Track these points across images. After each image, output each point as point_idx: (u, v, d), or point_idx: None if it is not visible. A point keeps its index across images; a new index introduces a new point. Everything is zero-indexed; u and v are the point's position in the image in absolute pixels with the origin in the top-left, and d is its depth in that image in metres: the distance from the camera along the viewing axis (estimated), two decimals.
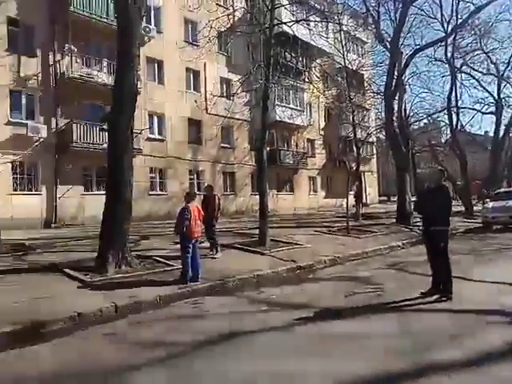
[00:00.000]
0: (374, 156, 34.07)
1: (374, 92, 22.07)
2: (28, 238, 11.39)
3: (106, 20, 16.73)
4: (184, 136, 20.73)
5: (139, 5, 7.69)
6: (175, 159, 20.15)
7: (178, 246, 7.41)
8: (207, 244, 9.14)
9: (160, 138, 19.88)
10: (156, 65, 19.64)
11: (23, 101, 15.79)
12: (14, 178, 15.36)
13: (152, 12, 18.95)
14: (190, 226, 6.84)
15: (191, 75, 21.26)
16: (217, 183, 20.49)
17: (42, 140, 15.84)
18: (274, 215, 16.42)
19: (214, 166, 22.13)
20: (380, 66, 20.63)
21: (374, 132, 27.47)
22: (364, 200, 23.50)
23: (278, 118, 23.43)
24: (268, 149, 11.57)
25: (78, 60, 16.66)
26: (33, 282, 6.77)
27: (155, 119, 19.78)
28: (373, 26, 18.96)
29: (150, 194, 19.14)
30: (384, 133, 23.48)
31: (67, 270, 7.28)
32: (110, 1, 16.25)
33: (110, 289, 6.35)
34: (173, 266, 7.80)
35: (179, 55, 19.75)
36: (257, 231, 10.98)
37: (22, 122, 15.44)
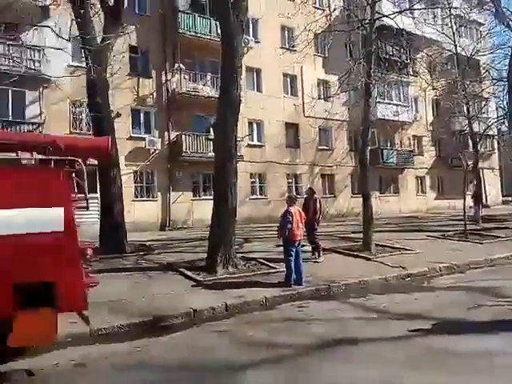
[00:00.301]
0: (496, 151, 29.94)
1: (493, 79, 19.40)
2: (148, 240, 12.74)
3: (209, 37, 17.98)
4: (282, 140, 21.06)
5: (241, 19, 8.05)
6: (274, 164, 20.58)
7: (281, 248, 7.49)
8: (309, 247, 9.07)
9: (259, 143, 20.53)
10: (254, 73, 20.38)
11: (141, 118, 17.86)
12: (135, 186, 17.42)
13: (250, 23, 19.77)
14: (292, 230, 6.86)
15: (288, 80, 21.53)
16: (315, 186, 20.28)
17: (157, 151, 17.68)
18: (378, 218, 15.55)
19: (312, 168, 21.99)
20: (501, 49, 18.03)
21: (495, 124, 24.12)
22: (484, 201, 20.80)
23: (380, 116, 22.27)
24: (369, 148, 10.98)
25: (186, 77, 18.21)
26: (154, 279, 7.54)
27: (254, 126, 20.50)
28: (491, 4, 16.71)
29: (251, 199, 19.85)
30: (507, 124, 20.47)
31: (182, 270, 7.95)
32: (213, 19, 17.44)
33: (220, 288, 6.72)
34: (276, 268, 7.92)
35: (277, 62, 20.22)
36: (360, 235, 10.54)
37: (141, 136, 17.45)
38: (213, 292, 6.56)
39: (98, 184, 11.55)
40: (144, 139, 17.33)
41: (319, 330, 5.00)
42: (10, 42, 9.97)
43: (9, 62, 12.35)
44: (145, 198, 17.64)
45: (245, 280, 7.20)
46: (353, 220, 18.30)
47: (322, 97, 20.11)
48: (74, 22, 9.86)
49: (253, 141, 20.27)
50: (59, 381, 3.78)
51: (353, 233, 12.84)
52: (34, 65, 13.23)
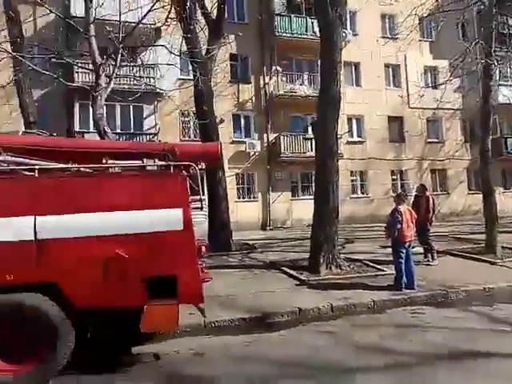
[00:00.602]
0: None
1: None
2: (250, 239, 13.21)
3: (305, 36, 18.01)
4: (384, 135, 19.98)
5: (340, 13, 7.86)
6: (376, 160, 19.61)
7: (387, 250, 7.10)
8: (420, 249, 8.40)
9: (359, 140, 19.81)
10: (353, 67, 19.74)
11: (242, 122, 18.69)
12: (237, 188, 18.27)
13: (348, 16, 19.18)
14: (401, 230, 6.42)
15: (390, 71, 20.41)
16: (425, 182, 18.71)
17: (257, 154, 18.31)
18: (503, 217, 13.63)
19: (421, 163, 20.36)
20: None
21: None
22: None
23: (502, 100, 19.40)
24: (490, 138, 9.72)
25: (283, 78, 18.53)
26: (259, 276, 7.81)
27: (354, 122, 19.84)
28: None
29: (352, 197, 19.24)
30: None
31: (285, 269, 8.05)
32: (309, 18, 17.41)
33: (324, 289, 6.64)
34: (383, 270, 7.55)
35: (377, 53, 19.27)
36: (479, 236, 9.49)
37: (242, 140, 18.26)
38: (317, 292, 6.52)
39: (205, 186, 12.43)
40: (244, 142, 18.09)
41: (435, 338, 4.61)
42: (132, 64, 11.40)
43: (130, 81, 14.09)
44: (246, 199, 18.40)
45: (350, 281, 7.00)
46: (470, 219, 16.43)
47: (430, 85, 18.46)
48: (182, 39, 10.80)
49: (352, 137, 19.66)
50: (181, 366, 4.14)
51: (470, 233, 11.53)
52: (150, 81, 14.87)
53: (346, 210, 17.43)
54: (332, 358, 4.20)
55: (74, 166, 4.07)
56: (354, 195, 19.51)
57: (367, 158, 19.58)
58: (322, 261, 7.64)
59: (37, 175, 3.79)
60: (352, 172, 19.51)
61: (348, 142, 19.14)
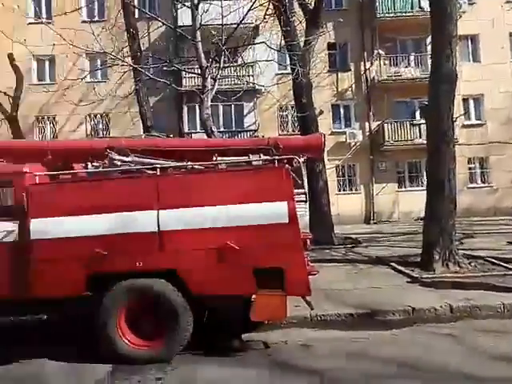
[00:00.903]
0: None
1: None
2: (352, 233, 12.80)
3: (410, 14, 16.64)
4: (510, 115, 17.37)
5: None
6: (499, 144, 17.16)
7: None
8: None
9: (478, 122, 17.67)
10: (469, 41, 17.60)
11: (341, 112, 18.12)
12: (338, 180, 17.80)
13: None
14: None
15: None
16: None
17: (358, 144, 17.60)
18: None
19: None
20: None
21: None
22: None
23: None
24: None
25: (386, 62, 17.41)
26: (364, 272, 7.51)
27: (471, 103, 17.70)
28: None
29: (469, 187, 17.26)
30: None
31: (393, 265, 7.62)
32: None
33: (440, 287, 6.10)
34: None
35: (499, 21, 16.84)
36: None
37: (342, 130, 17.71)
38: (431, 291, 6.01)
39: (305, 178, 12.38)
40: (344, 133, 17.56)
41: None
42: (233, 64, 11.89)
43: (231, 81, 14.74)
44: (347, 192, 17.86)
45: (471, 281, 6.31)
46: None
47: None
48: (280, 33, 10.86)
49: (469, 120, 17.58)
50: (289, 357, 4.19)
51: None
52: (249, 79, 15.36)
53: (462, 201, 15.60)
54: (452, 363, 3.81)
55: (188, 163, 4.41)
56: (473, 185, 17.52)
57: (488, 142, 17.27)
58: (437, 257, 7.00)
59: (158, 173, 4.21)
60: (469, 159, 17.50)
61: (464, 126, 17.15)
